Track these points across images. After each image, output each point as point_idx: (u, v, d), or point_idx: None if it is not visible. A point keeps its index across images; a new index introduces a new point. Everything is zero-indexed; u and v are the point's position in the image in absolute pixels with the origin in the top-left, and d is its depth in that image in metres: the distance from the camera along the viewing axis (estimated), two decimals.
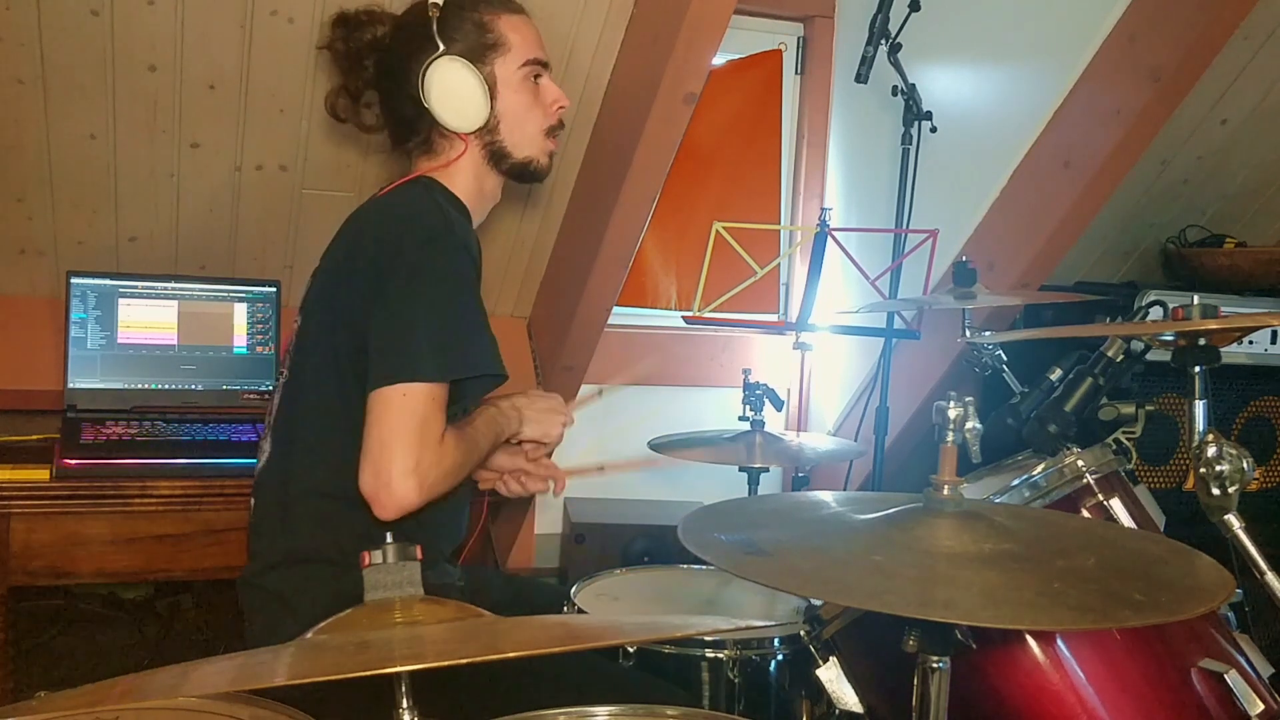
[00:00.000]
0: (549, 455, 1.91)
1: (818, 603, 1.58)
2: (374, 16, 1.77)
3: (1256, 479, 2.60)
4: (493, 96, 1.70)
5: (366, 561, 1.00)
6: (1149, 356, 1.69)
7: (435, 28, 1.66)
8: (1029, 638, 1.37)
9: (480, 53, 1.69)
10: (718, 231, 2.02)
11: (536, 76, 1.75)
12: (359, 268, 1.58)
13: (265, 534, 1.64)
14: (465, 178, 1.73)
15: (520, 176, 1.78)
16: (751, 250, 2.03)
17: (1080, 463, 1.51)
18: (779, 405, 2.14)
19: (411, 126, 1.73)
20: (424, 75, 1.66)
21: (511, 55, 1.71)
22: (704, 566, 1.98)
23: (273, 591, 1.60)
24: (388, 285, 1.53)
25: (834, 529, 1.14)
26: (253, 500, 1.69)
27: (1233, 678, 1.34)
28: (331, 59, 1.81)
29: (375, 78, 1.77)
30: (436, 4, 1.67)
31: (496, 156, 1.73)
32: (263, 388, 2.34)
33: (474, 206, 1.75)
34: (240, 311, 2.36)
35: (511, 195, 2.40)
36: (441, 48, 1.66)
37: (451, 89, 1.67)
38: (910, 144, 2.44)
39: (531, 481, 1.91)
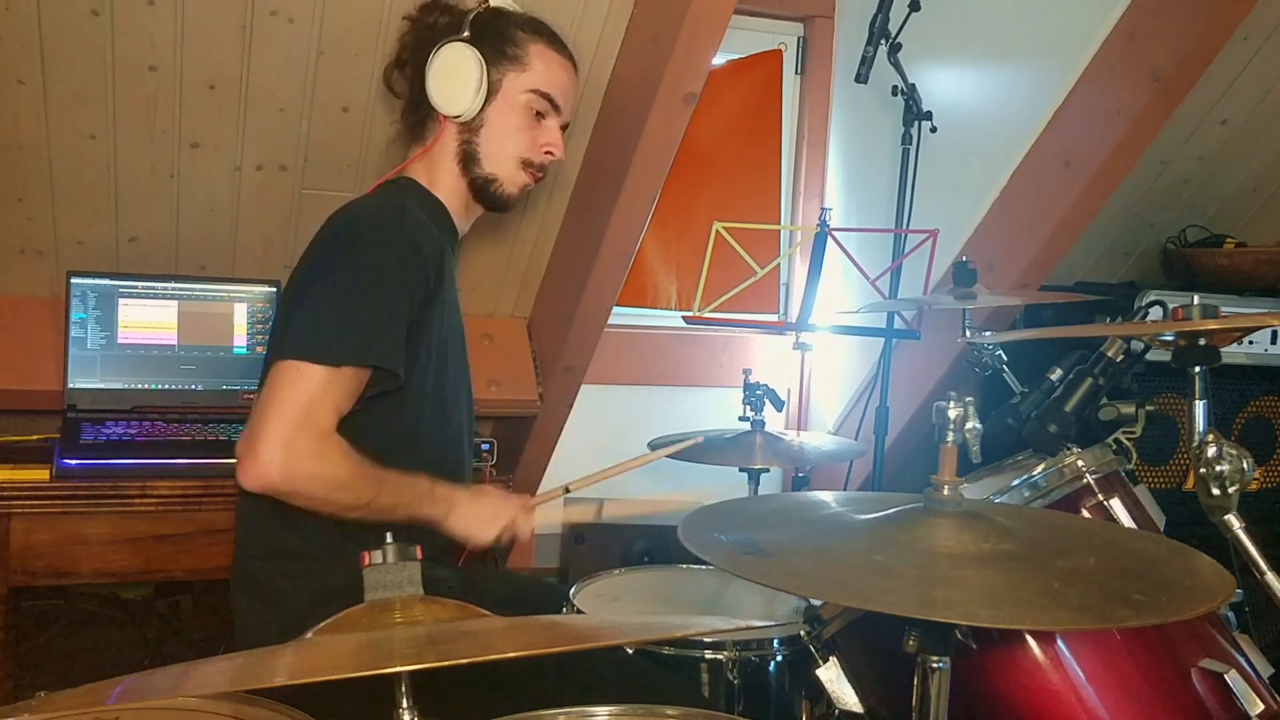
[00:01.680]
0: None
1: (818, 603, 1.58)
2: (449, 9, 1.82)
3: (1256, 479, 2.59)
4: (487, 99, 1.71)
5: (366, 561, 1.00)
6: (1149, 356, 1.69)
7: (471, 16, 1.73)
8: (1029, 638, 1.37)
9: (499, 59, 1.72)
10: (718, 231, 2.02)
11: (541, 113, 1.75)
12: (308, 265, 1.61)
13: (247, 530, 1.65)
14: (445, 175, 1.74)
15: (482, 194, 1.77)
16: (751, 250, 2.03)
17: (1080, 463, 1.51)
18: (779, 405, 2.14)
19: (416, 103, 1.77)
20: (436, 50, 1.71)
21: (526, 76, 1.73)
22: (704, 566, 1.98)
23: (255, 585, 1.61)
24: (316, 265, 1.56)
25: (834, 529, 1.14)
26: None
27: (1233, 678, 1.34)
28: (405, 28, 1.86)
29: (418, 56, 1.80)
30: (488, 3, 1.76)
31: (467, 159, 1.74)
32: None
33: (456, 210, 1.76)
34: (240, 311, 2.36)
35: None
36: (466, 34, 1.71)
37: (450, 69, 1.71)
38: (910, 144, 2.44)
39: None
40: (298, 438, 1.45)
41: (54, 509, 2.01)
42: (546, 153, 1.77)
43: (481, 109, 1.72)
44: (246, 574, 1.62)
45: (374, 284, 1.54)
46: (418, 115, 1.78)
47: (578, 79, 1.83)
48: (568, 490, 1.86)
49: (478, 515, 1.67)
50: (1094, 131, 2.25)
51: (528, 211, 2.46)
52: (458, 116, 1.71)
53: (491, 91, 1.71)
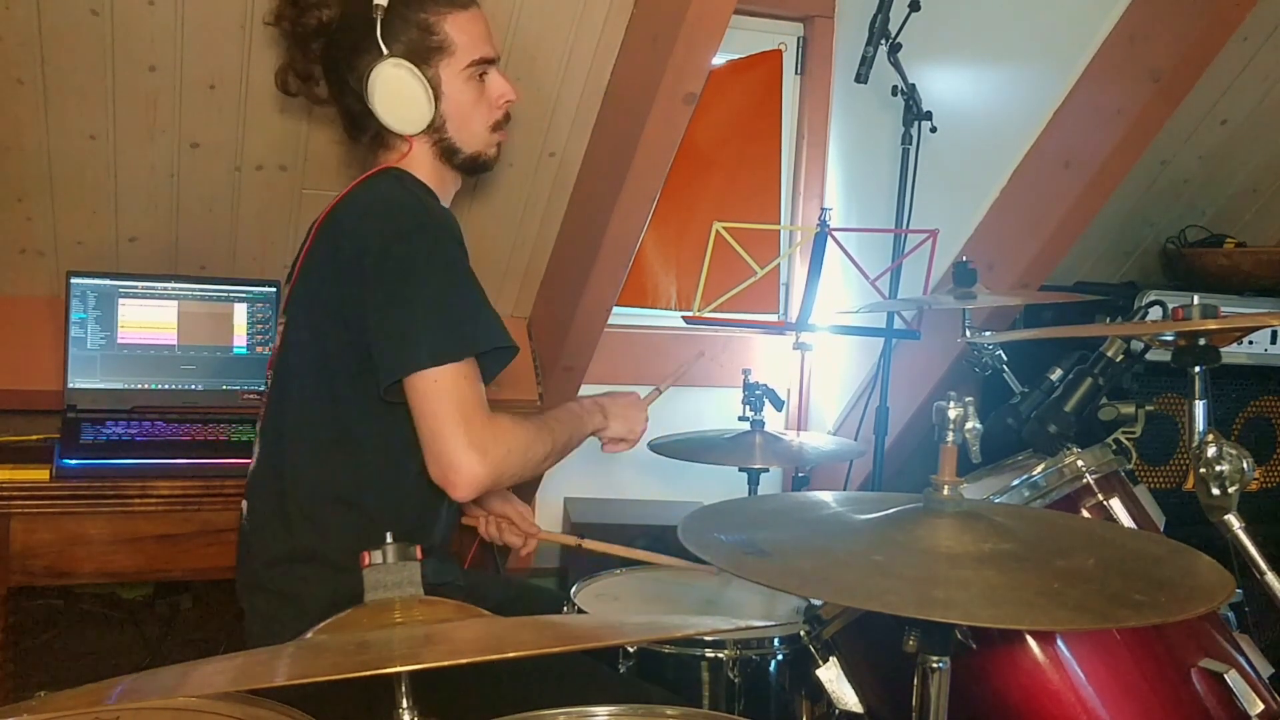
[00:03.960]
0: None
1: (818, 603, 1.58)
2: (321, 2, 1.73)
3: (1256, 479, 2.59)
4: (437, 98, 1.67)
5: (366, 561, 1.00)
6: (1149, 356, 1.69)
7: (379, 30, 1.63)
8: (1029, 638, 1.37)
9: (424, 55, 1.66)
10: (718, 231, 2.01)
11: (483, 74, 1.72)
12: (344, 267, 1.57)
13: (262, 534, 1.63)
14: (424, 168, 1.72)
15: (471, 170, 1.77)
16: (751, 250, 2.03)
17: (1080, 463, 1.51)
18: (779, 405, 2.14)
19: (361, 124, 1.72)
20: (368, 79, 1.64)
21: (457, 57, 1.68)
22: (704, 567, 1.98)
23: (273, 590, 1.60)
24: (384, 283, 1.52)
25: (834, 529, 1.14)
26: (245, 502, 1.69)
27: (1233, 678, 1.34)
28: (280, 36, 1.79)
29: (324, 65, 1.76)
30: (380, 4, 1.63)
31: (447, 152, 1.72)
32: (262, 388, 2.33)
33: (439, 189, 1.74)
34: (240, 311, 2.36)
35: (511, 195, 2.40)
36: (385, 51, 1.63)
37: (394, 93, 1.65)
38: (910, 144, 2.44)
39: (510, 534, 1.93)
40: (475, 433, 1.48)
41: (54, 509, 2.00)
42: (504, 103, 1.75)
43: (436, 108, 1.68)
44: (261, 579, 1.61)
45: (448, 277, 1.55)
46: (367, 134, 1.72)
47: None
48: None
49: (627, 410, 1.82)
50: (1094, 131, 2.25)
51: (527, 211, 2.46)
52: (422, 131, 1.69)
53: (436, 89, 1.67)
